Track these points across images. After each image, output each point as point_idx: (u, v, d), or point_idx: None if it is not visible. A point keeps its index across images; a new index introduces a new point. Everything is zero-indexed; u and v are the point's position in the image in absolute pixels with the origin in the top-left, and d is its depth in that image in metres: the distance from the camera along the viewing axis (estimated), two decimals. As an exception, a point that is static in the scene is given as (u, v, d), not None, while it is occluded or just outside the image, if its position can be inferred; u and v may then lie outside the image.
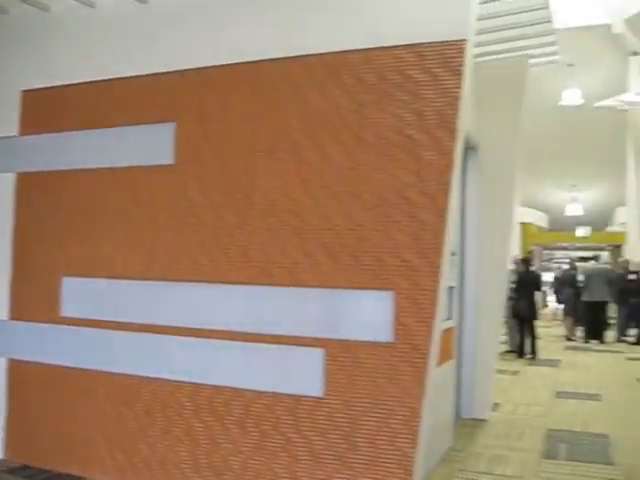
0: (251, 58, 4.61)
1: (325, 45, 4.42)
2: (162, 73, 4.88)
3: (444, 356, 4.91)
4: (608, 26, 17.78)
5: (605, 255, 26.29)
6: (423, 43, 4.23)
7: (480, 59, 6.08)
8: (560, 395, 8.08)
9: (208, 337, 4.56)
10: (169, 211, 4.78)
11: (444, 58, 4.19)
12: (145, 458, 4.71)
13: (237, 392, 4.46)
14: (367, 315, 4.19)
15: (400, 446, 4.03)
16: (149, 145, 4.90)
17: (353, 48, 4.35)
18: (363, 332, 4.16)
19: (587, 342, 14.26)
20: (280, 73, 4.54)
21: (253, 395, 4.42)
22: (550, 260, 27.42)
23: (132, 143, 4.95)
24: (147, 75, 4.94)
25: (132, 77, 4.99)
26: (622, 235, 22.84)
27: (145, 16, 5.00)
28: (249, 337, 4.44)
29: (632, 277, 14.30)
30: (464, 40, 4.19)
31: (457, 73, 4.17)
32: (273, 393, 4.36)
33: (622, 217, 23.75)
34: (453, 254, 5.11)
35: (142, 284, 4.82)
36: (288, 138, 4.47)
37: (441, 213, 4.09)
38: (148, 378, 4.73)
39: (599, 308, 14.36)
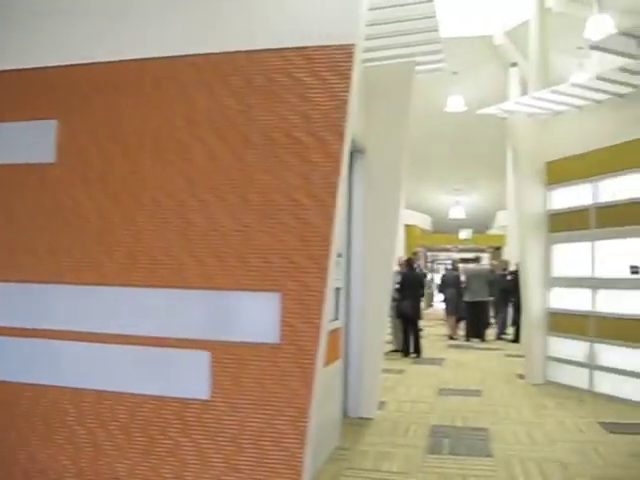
0: (137, 56, 4.50)
1: (212, 45, 4.38)
2: (44, 68, 4.69)
3: (331, 356, 4.97)
4: (490, 37, 18.55)
5: (486, 256, 27.32)
6: (312, 46, 4.26)
7: (369, 64, 6.20)
8: (443, 392, 8.33)
9: (91, 341, 4.40)
10: (52, 210, 4.59)
11: (333, 62, 4.23)
12: (24, 469, 4.50)
13: (122, 397, 4.33)
14: (254, 317, 4.17)
15: (288, 446, 4.03)
16: (30, 142, 4.70)
17: (241, 49, 4.33)
18: (250, 334, 4.14)
19: (469, 340, 14.81)
20: (166, 72, 4.46)
21: (139, 399, 4.31)
22: (434, 262, 28.24)
23: (12, 140, 4.73)
24: (27, 70, 4.73)
25: (11, 71, 4.76)
26: (502, 237, 23.84)
27: (26, 8, 4.79)
28: (134, 340, 4.33)
29: (510, 277, 14.93)
30: (353, 45, 4.25)
31: (345, 77, 4.22)
32: (159, 397, 4.27)
33: (502, 220, 24.78)
34: (339, 255, 5.17)
35: (26, 287, 4.61)
36: (174, 138, 4.39)
37: (328, 215, 4.13)
38: (28, 384, 4.53)
39: (480, 307, 14.94)
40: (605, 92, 7.72)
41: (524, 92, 16.43)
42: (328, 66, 4.21)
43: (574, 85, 7.91)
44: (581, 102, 8.21)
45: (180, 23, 4.50)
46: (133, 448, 4.28)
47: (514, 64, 18.92)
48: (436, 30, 5.77)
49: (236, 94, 4.32)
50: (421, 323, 12.15)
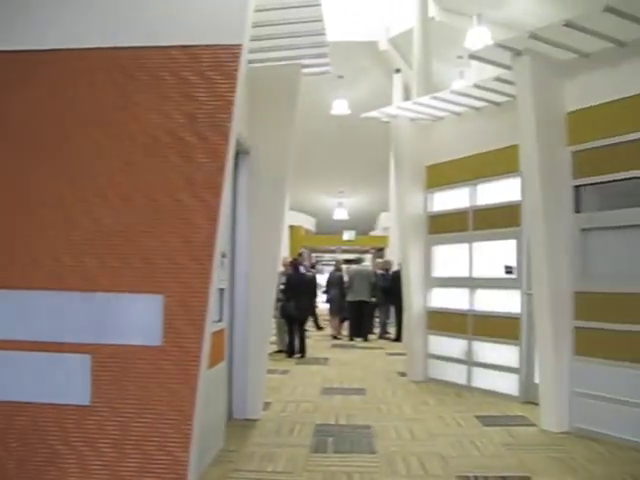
0: (25, 47, 4.33)
1: (97, 39, 4.26)
2: None
3: (215, 358, 4.92)
4: (375, 43, 18.96)
5: (369, 257, 27.83)
6: (198, 45, 4.22)
7: (255, 65, 6.19)
8: (328, 391, 8.43)
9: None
10: None
11: (219, 61, 4.22)
12: None
13: (-5, 405, 4.15)
14: (136, 319, 4.09)
15: (171, 451, 3.98)
16: None
17: (125, 45, 4.23)
18: (132, 336, 4.06)
19: (352, 340, 15.05)
20: (53, 64, 4.31)
21: (15, 407, 4.13)
22: (318, 262, 28.53)
23: None
24: None
25: None
26: (385, 239, 24.38)
27: None
28: (9, 345, 4.15)
29: (393, 277, 15.26)
30: (239, 45, 4.24)
31: (231, 77, 4.21)
32: (37, 404, 4.11)
33: (385, 222, 25.35)
34: (224, 256, 5.14)
35: None
36: (59, 134, 4.26)
37: (212, 216, 4.11)
38: None
39: (363, 307, 15.20)
40: (483, 100, 8.05)
41: (407, 97, 16.94)
42: (214, 66, 4.19)
43: (454, 92, 8.20)
44: (460, 109, 8.52)
45: (64, 17, 4.35)
46: (10, 458, 4.09)
47: (398, 70, 19.43)
48: (323, 34, 5.84)
49: (120, 90, 4.23)
50: (307, 323, 12.24)
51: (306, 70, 6.68)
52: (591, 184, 6.36)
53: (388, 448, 5.67)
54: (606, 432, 5.94)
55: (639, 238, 5.93)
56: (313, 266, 19.39)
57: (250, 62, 5.59)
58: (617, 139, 6.08)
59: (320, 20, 5.57)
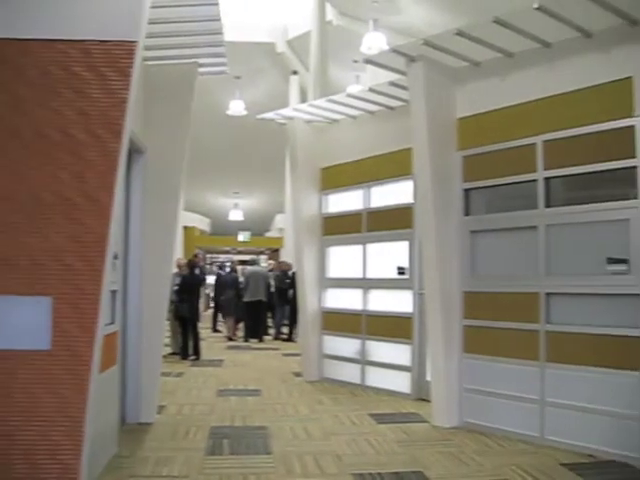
0: None
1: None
2: None
3: (107, 362, 4.79)
4: (273, 45, 18.98)
5: (264, 258, 27.87)
6: (90, 40, 4.10)
7: (150, 62, 6.07)
8: (223, 393, 8.37)
9: None
10: None
11: (112, 58, 4.11)
12: None
13: None
14: (22, 322, 3.93)
15: (62, 459, 3.85)
16: None
17: (10, 37, 4.06)
18: (18, 341, 3.90)
19: (247, 341, 15.02)
20: None
21: None
22: (212, 264, 28.29)
23: None
24: None
25: None
26: (280, 240, 24.48)
27: None
28: None
29: (287, 279, 15.36)
30: (134, 42, 4.15)
31: (125, 74, 4.12)
32: None
33: (281, 223, 25.43)
34: (116, 257, 5.01)
35: None
36: None
37: (103, 215, 4.00)
38: None
39: (258, 308, 15.21)
40: (378, 104, 8.21)
41: (303, 99, 17.06)
42: (107, 62, 4.09)
43: (349, 96, 8.33)
44: (356, 112, 8.65)
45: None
46: None
47: (295, 72, 19.53)
48: (219, 33, 5.79)
49: (4, 85, 4.05)
50: (199, 325, 12.11)
51: (202, 69, 6.61)
52: (479, 188, 6.61)
53: (284, 448, 5.69)
54: (494, 426, 6.20)
55: (522, 240, 6.22)
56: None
57: (145, 59, 5.49)
58: (503, 145, 6.34)
59: (217, 19, 5.52)
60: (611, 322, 5.45)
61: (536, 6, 5.28)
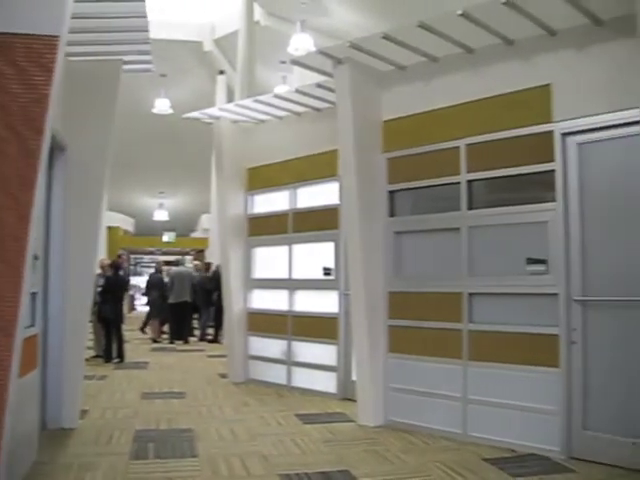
0: None
1: None
2: None
3: (27, 366, 4.65)
4: (200, 43, 18.81)
5: (189, 259, 27.59)
6: (10, 33, 3.98)
7: (74, 58, 5.92)
8: (148, 396, 8.25)
9: None
10: None
11: (34, 53, 4.00)
12: None
13: None
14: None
15: (-23, 468, 3.72)
16: None
17: None
18: None
19: (173, 343, 14.84)
20: None
21: None
22: (137, 264, 27.84)
23: None
24: None
25: None
26: (206, 240, 24.26)
27: None
28: None
29: (213, 279, 15.24)
30: (57, 36, 4.05)
31: (47, 70, 4.01)
32: None
33: (206, 223, 25.23)
34: (36, 258, 4.86)
35: None
36: None
37: (23, 214, 3.89)
38: None
39: (183, 309, 15.06)
40: (304, 105, 8.24)
41: (230, 99, 16.96)
42: (29, 57, 3.98)
43: (276, 96, 8.33)
44: (282, 113, 8.66)
45: None
46: None
47: (222, 71, 19.42)
48: (146, 30, 5.69)
49: None
50: (124, 327, 11.91)
51: (127, 67, 6.49)
52: (404, 189, 6.71)
53: (210, 450, 5.64)
54: (419, 424, 6.31)
55: (445, 241, 6.35)
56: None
57: (68, 55, 5.35)
58: (427, 148, 6.47)
59: (143, 16, 5.42)
60: (531, 321, 5.64)
61: (460, 12, 5.41)
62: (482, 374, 5.91)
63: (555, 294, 5.47)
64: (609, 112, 5.21)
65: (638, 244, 5.09)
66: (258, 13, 16.16)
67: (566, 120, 5.48)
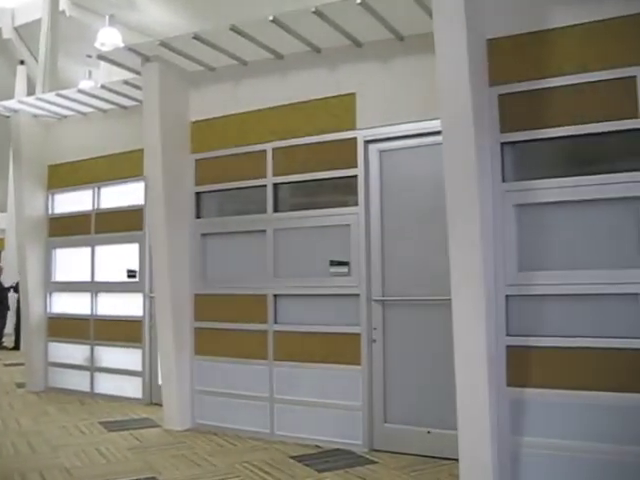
0: None
1: None
2: None
3: None
4: (-1, 30, 17.64)
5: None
6: None
7: None
8: None
9: None
10: None
11: None
12: None
13: None
14: None
15: None
16: None
17: None
18: None
19: (-38, 351, 13.80)
20: None
21: None
22: None
23: None
24: None
25: None
26: (1, 241, 22.75)
27: None
28: None
29: (10, 284, 14.42)
30: None
31: None
32: None
33: (2, 223, 23.65)
34: None
35: None
36: None
37: None
38: None
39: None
40: (110, 102, 7.96)
41: (31, 92, 16.03)
42: None
43: (80, 91, 7.95)
44: (87, 109, 8.32)
45: None
46: None
47: (22, 62, 18.35)
48: None
49: None
50: None
51: None
52: (211, 191, 6.69)
53: (6, 466, 5.26)
54: (227, 425, 6.34)
55: (251, 243, 6.42)
56: None
57: None
58: (235, 150, 6.50)
59: None
60: (335, 321, 5.85)
61: (271, 18, 5.49)
62: (288, 374, 6.04)
63: (357, 295, 5.71)
64: (407, 122, 5.53)
65: (427, 246, 5.43)
66: (63, 2, 15.42)
67: (369, 128, 5.74)
